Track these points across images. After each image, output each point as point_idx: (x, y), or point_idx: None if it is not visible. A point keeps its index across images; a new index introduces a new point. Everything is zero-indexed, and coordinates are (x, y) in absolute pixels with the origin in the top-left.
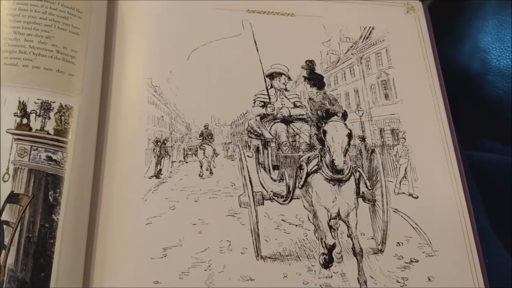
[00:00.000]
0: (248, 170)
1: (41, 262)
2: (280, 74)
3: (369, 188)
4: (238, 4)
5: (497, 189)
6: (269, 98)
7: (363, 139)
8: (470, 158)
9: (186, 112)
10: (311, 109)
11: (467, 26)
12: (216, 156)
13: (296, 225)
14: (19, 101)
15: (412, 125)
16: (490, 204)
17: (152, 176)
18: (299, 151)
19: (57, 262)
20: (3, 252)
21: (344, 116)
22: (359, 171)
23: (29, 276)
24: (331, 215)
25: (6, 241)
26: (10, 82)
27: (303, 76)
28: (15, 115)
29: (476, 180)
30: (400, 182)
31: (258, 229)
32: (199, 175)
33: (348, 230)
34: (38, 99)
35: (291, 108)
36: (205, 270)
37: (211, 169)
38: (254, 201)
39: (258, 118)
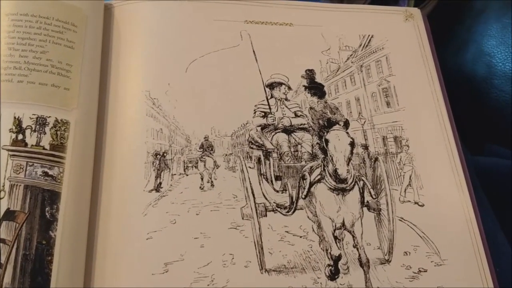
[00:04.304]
0: (250, 181)
1: (39, 280)
2: (280, 84)
3: (374, 197)
4: (236, 15)
5: (505, 194)
6: (270, 108)
7: (366, 147)
8: (477, 164)
9: (185, 124)
10: (312, 119)
11: (470, 31)
12: (217, 168)
13: (301, 237)
14: (14, 117)
15: (415, 132)
16: (498, 209)
17: (152, 190)
18: (301, 161)
19: (55, 280)
20: (0, 270)
21: (346, 124)
22: (363, 180)
23: None
24: (335, 225)
25: (3, 259)
26: (5, 98)
27: (303, 86)
28: (10, 131)
29: (483, 186)
30: (405, 190)
31: (261, 242)
32: (200, 187)
33: (354, 240)
34: (33, 114)
35: (292, 117)
36: (208, 284)
37: (212, 181)
38: (256, 213)
39: (259, 128)
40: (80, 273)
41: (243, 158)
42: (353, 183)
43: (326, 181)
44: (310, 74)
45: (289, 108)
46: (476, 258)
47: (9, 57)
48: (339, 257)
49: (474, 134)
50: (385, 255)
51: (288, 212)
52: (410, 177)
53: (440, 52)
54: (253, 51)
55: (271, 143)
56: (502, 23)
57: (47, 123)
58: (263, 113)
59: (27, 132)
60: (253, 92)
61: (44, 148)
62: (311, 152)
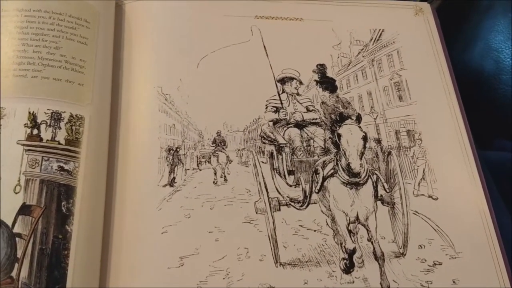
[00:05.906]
0: (263, 176)
1: (55, 274)
2: (291, 78)
3: (387, 190)
4: (246, 10)
5: None
6: (281, 103)
7: (378, 141)
8: (486, 158)
9: (198, 120)
10: (324, 113)
11: (477, 27)
12: (230, 163)
13: (315, 230)
14: (29, 112)
15: (428, 126)
16: (508, 203)
17: (166, 185)
18: (314, 156)
19: (71, 274)
20: (16, 265)
21: (358, 119)
22: (376, 174)
23: None
24: (349, 219)
25: (19, 253)
26: (20, 94)
27: (315, 80)
28: (25, 126)
29: (493, 180)
30: (419, 183)
31: (275, 236)
32: (214, 182)
33: (368, 234)
34: (48, 109)
35: (304, 112)
36: (224, 278)
37: (225, 176)
38: (270, 207)
39: (271, 123)
40: (96, 267)
41: (256, 153)
42: (366, 177)
43: (339, 175)
44: (321, 69)
45: (300, 103)
46: (490, 251)
47: (23, 53)
48: (353, 251)
49: (483, 129)
50: (400, 248)
51: (301, 206)
52: (423, 170)
53: (448, 48)
54: (264, 46)
55: (283, 138)
56: (509, 18)
57: (62, 118)
58: (274, 108)
59: (42, 127)
60: (264, 87)
61: (59, 143)
62: (323, 147)
